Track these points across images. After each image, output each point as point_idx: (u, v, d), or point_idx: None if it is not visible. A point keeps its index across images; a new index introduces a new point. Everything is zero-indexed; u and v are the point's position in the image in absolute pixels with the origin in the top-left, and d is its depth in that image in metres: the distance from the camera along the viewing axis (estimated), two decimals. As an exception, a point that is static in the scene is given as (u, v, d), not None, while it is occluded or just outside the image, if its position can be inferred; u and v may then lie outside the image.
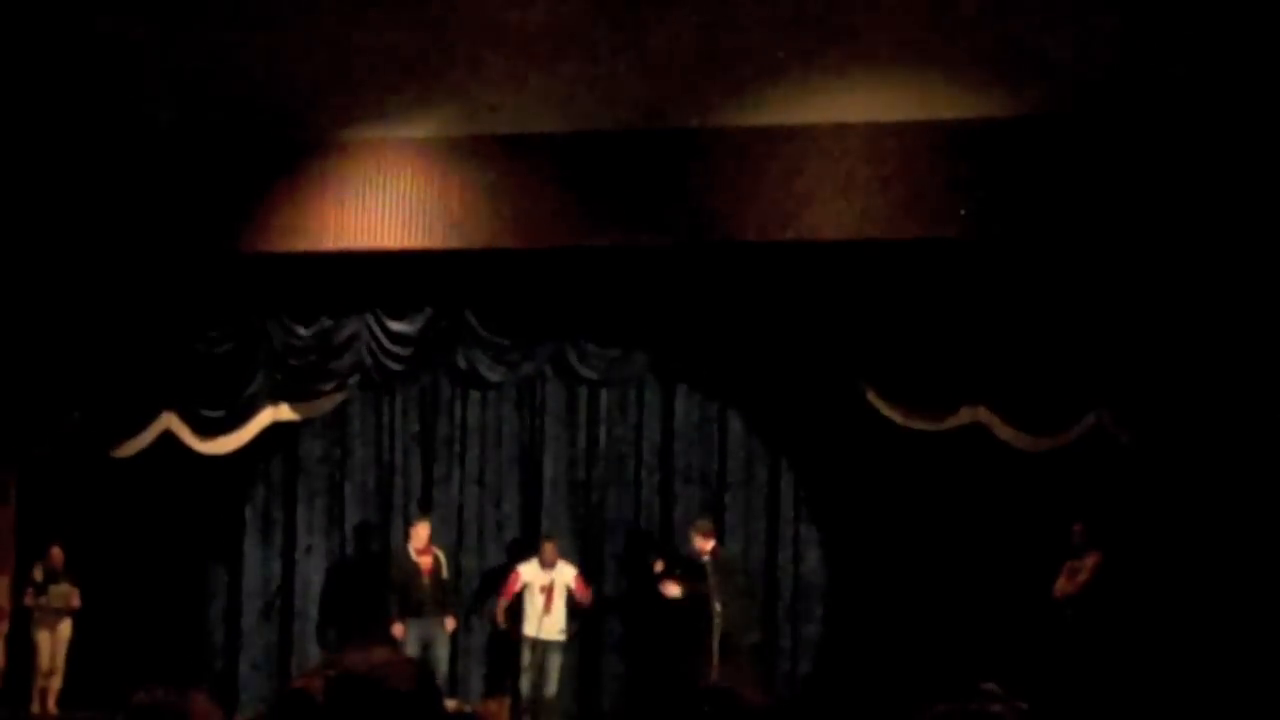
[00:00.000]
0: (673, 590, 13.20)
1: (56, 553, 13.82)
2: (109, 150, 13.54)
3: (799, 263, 12.82)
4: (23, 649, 13.95)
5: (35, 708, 13.62)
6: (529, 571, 13.61)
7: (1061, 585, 12.27)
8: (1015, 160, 12.05)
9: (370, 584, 14.25)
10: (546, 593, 13.50)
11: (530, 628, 13.55)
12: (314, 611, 14.51)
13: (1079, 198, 11.91)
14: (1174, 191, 11.73)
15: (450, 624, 13.76)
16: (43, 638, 13.79)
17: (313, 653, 14.26)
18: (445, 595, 13.74)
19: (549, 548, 13.60)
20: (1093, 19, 11.94)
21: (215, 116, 13.33)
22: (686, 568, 13.26)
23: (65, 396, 13.98)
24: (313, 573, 14.57)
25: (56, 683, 13.81)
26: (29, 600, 13.81)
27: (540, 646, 13.53)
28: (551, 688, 13.52)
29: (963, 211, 12.05)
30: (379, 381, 14.26)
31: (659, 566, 13.40)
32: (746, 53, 12.64)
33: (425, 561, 13.66)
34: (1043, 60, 12.05)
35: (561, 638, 13.53)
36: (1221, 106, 11.68)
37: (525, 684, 13.50)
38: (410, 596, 13.59)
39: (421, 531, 13.74)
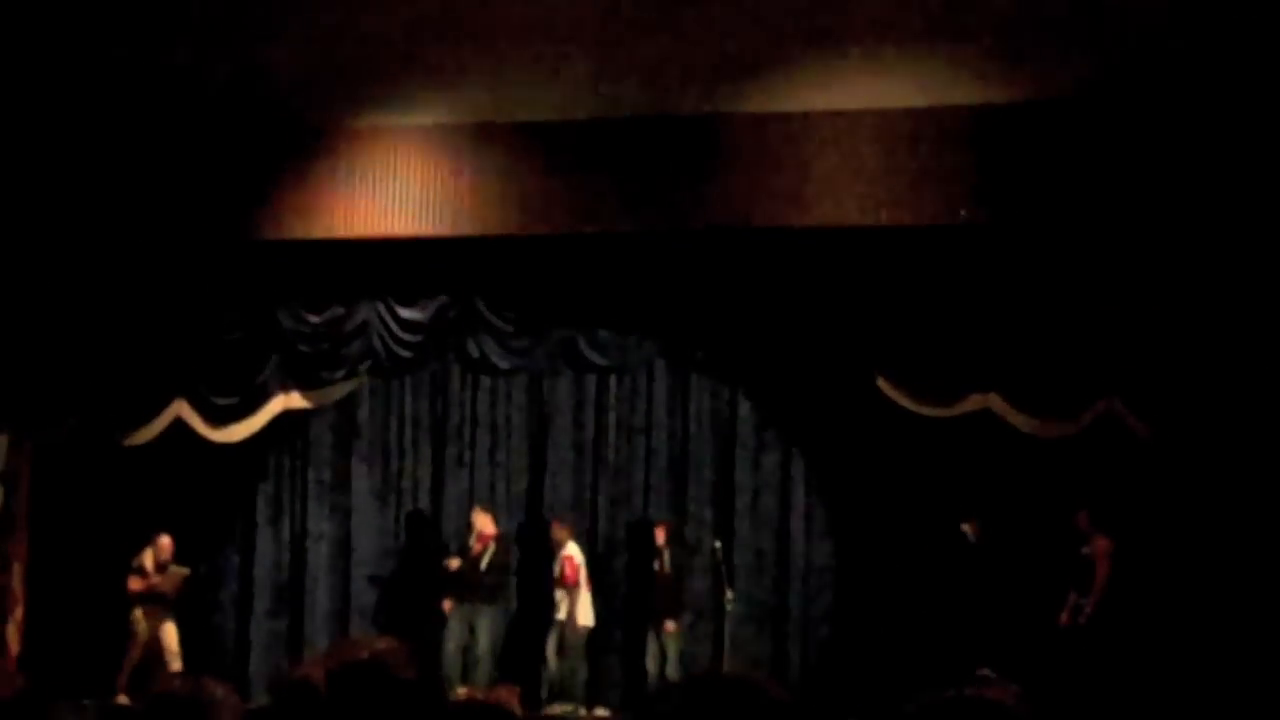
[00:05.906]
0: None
1: (165, 542, 13.67)
2: (120, 138, 13.52)
3: (811, 249, 12.79)
4: (42, 636, 13.88)
5: (122, 698, 13.27)
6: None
7: (1087, 612, 12.19)
8: (1027, 146, 12.02)
9: (402, 567, 14.40)
10: None
11: None
12: (324, 599, 14.51)
13: (1091, 183, 11.89)
14: (1187, 178, 11.69)
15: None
16: (146, 625, 13.53)
17: (321, 641, 14.26)
18: (492, 585, 13.71)
19: (558, 530, 13.64)
20: (1108, 1, 11.90)
21: (226, 104, 13.31)
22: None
23: (76, 384, 13.97)
24: (323, 560, 14.57)
25: (177, 666, 13.30)
26: (137, 585, 13.58)
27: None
28: (553, 671, 13.51)
29: (962, 212, 12.05)
30: (390, 369, 14.26)
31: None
32: (760, 39, 12.61)
33: (475, 548, 13.70)
34: (1054, 45, 12.00)
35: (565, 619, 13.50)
36: (1237, 91, 11.62)
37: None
38: (459, 579, 13.66)
39: (476, 519, 13.81)
